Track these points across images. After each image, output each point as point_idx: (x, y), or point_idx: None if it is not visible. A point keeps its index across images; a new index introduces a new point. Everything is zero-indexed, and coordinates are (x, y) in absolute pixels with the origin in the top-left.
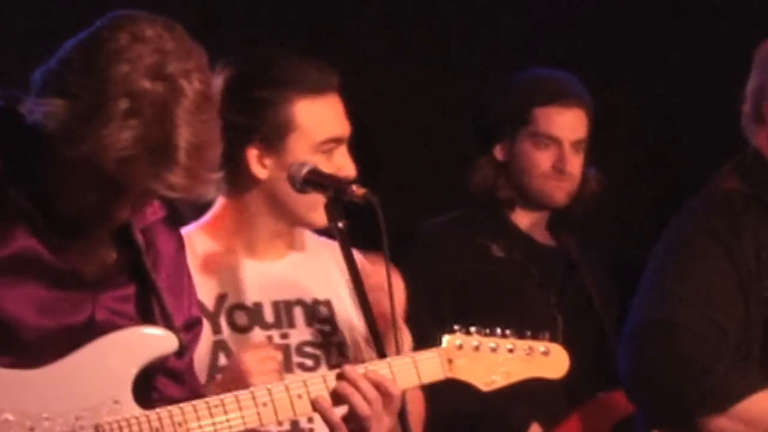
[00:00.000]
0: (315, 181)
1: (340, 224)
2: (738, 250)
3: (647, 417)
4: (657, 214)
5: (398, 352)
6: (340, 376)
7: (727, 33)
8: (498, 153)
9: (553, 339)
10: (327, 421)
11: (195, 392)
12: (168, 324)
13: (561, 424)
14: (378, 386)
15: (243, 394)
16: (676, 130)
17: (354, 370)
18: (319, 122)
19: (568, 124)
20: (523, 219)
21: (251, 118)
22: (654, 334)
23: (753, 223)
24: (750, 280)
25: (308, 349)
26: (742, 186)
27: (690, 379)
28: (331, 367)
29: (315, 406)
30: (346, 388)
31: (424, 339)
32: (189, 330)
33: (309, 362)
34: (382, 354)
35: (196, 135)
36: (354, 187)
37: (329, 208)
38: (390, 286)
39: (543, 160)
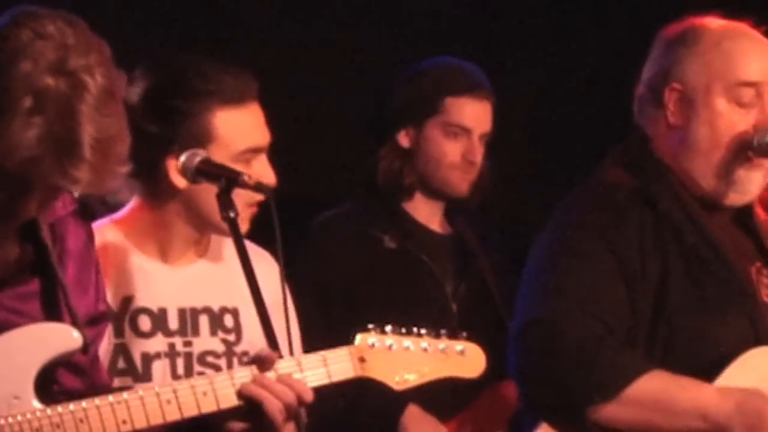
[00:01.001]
0: (207, 171)
1: (232, 214)
2: (622, 245)
3: (538, 412)
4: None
5: (291, 348)
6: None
7: (621, 25)
8: (402, 140)
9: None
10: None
11: (97, 387)
12: (73, 319)
13: (460, 414)
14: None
15: (147, 391)
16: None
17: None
18: (238, 132)
19: (479, 115)
20: (420, 208)
21: (170, 128)
22: (538, 333)
23: (637, 219)
24: (634, 276)
25: (211, 359)
26: (626, 179)
27: (577, 372)
28: None
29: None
30: (261, 393)
31: (314, 334)
32: (95, 324)
33: (210, 372)
34: (275, 350)
35: (99, 130)
36: (246, 177)
37: (220, 199)
38: (282, 278)
39: (452, 150)
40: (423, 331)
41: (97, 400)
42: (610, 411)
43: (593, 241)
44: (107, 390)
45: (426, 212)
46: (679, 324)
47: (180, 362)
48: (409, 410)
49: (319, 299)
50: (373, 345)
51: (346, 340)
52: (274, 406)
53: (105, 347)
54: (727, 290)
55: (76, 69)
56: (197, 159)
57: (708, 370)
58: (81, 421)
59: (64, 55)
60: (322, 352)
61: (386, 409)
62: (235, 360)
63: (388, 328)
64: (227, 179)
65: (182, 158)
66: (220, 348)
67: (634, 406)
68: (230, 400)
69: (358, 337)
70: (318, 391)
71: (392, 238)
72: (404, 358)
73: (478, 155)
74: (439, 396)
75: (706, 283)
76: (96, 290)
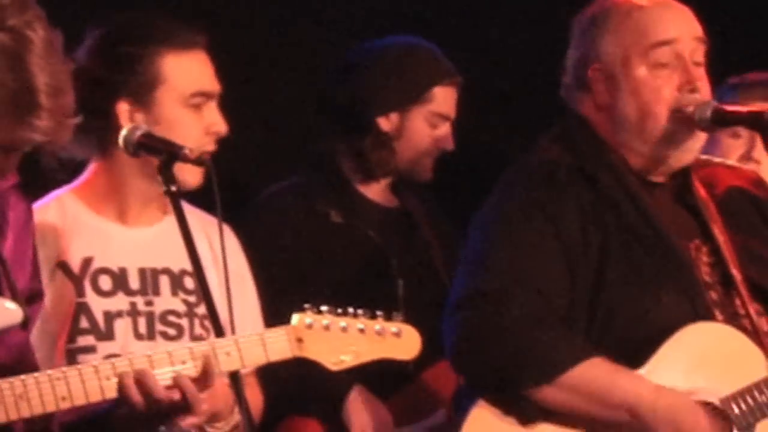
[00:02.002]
0: (148, 144)
1: (173, 188)
2: (562, 221)
3: (473, 388)
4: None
5: (232, 323)
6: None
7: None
8: (384, 124)
9: (394, 303)
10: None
11: (26, 363)
12: (13, 294)
13: (402, 390)
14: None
15: (86, 367)
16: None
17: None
18: (187, 75)
19: (455, 102)
20: (369, 183)
21: (120, 72)
22: (477, 305)
23: (577, 195)
24: (575, 252)
25: (172, 319)
26: (564, 155)
27: (515, 351)
28: (193, 337)
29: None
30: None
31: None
32: (32, 302)
33: (172, 331)
34: (218, 330)
35: (51, 77)
36: (187, 150)
37: (162, 171)
38: (224, 251)
39: (431, 138)
40: (359, 311)
41: (36, 375)
42: (547, 394)
43: (534, 217)
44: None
45: (373, 186)
46: (617, 300)
47: (142, 321)
48: (355, 391)
49: (267, 274)
50: (310, 325)
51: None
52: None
53: (65, 308)
54: (665, 267)
55: (16, 25)
56: (138, 132)
57: (646, 346)
58: (20, 397)
59: (2, 15)
60: (260, 332)
61: (332, 388)
62: (196, 321)
63: (325, 308)
64: (168, 153)
65: (123, 132)
66: (181, 308)
67: (571, 392)
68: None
69: (295, 317)
70: (268, 369)
71: (338, 212)
72: (340, 338)
73: (452, 143)
74: (382, 373)
75: (644, 259)
76: (33, 267)
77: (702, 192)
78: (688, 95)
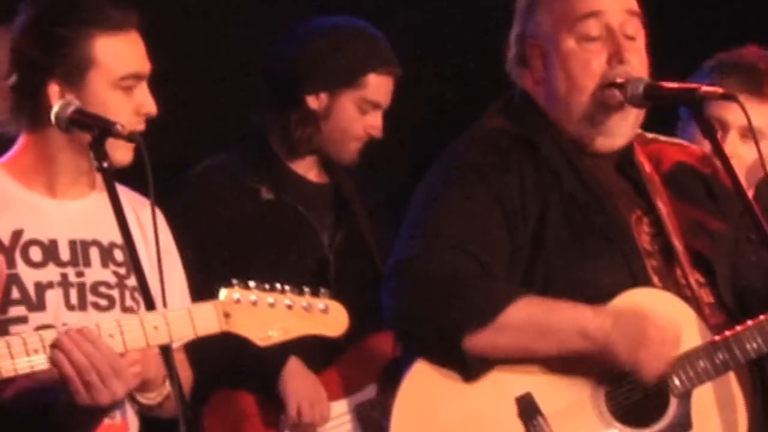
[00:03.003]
0: (80, 120)
1: (105, 164)
2: (503, 187)
3: (414, 351)
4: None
5: (164, 298)
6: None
7: None
8: (312, 102)
9: (325, 279)
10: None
11: None
12: None
13: (332, 365)
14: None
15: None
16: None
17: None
18: (118, 58)
19: (390, 92)
20: (298, 159)
21: (52, 54)
22: (409, 269)
23: (519, 162)
24: (515, 218)
25: (103, 290)
26: (508, 125)
27: (450, 301)
28: (124, 309)
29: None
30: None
31: (193, 286)
32: None
33: (103, 302)
34: (150, 304)
35: None
36: (119, 126)
37: (94, 148)
38: (155, 229)
39: (360, 123)
40: (287, 287)
41: None
42: (486, 338)
43: (474, 182)
44: None
45: (303, 163)
46: (556, 267)
47: (73, 292)
48: (290, 364)
49: (198, 251)
50: (238, 300)
51: None
52: (68, 370)
53: None
54: (605, 235)
55: None
56: (70, 108)
57: None
58: None
59: None
60: (188, 307)
61: (269, 362)
62: (126, 293)
63: (252, 283)
64: (100, 129)
65: (55, 108)
66: (112, 279)
67: (511, 331)
68: None
69: (223, 292)
70: (204, 342)
71: (269, 189)
72: (268, 314)
73: (381, 131)
74: (316, 347)
75: (584, 227)
76: None
77: (647, 166)
78: (617, 67)
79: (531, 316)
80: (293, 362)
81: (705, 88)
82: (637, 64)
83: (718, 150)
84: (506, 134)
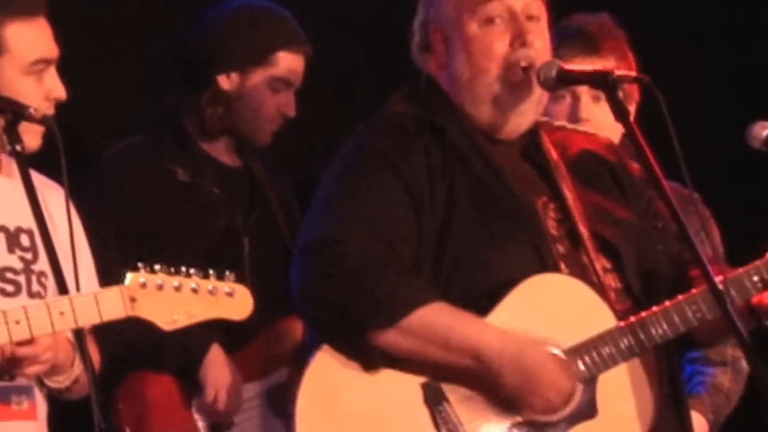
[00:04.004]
0: None
1: (18, 147)
2: (410, 171)
3: (318, 335)
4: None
5: (77, 283)
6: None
7: None
8: (224, 83)
9: (240, 261)
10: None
11: None
12: None
13: (244, 348)
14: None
15: None
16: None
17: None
18: (28, 44)
19: (301, 70)
20: (211, 141)
21: None
22: (320, 251)
23: (426, 146)
24: (422, 202)
25: (10, 275)
26: (414, 110)
27: (358, 294)
28: (31, 294)
29: None
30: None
31: (111, 269)
32: None
33: (9, 288)
34: (63, 289)
35: None
36: (32, 110)
37: (7, 131)
38: (69, 213)
39: (272, 102)
40: (192, 271)
41: None
42: (390, 338)
43: (382, 166)
44: None
45: (217, 145)
46: (463, 252)
47: None
48: (213, 351)
49: (114, 233)
50: (143, 284)
51: None
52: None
53: None
54: (511, 219)
55: None
56: None
57: (490, 297)
58: None
59: None
60: (94, 291)
61: (191, 347)
62: (33, 278)
63: (158, 267)
64: (13, 113)
65: None
66: (18, 265)
67: (413, 336)
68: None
69: (129, 277)
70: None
71: (185, 170)
72: (174, 298)
73: (294, 110)
74: (226, 331)
75: (491, 212)
76: None
77: (553, 153)
78: (519, 50)
79: (434, 325)
80: (215, 350)
81: (618, 72)
82: (540, 45)
83: (632, 133)
84: (412, 118)
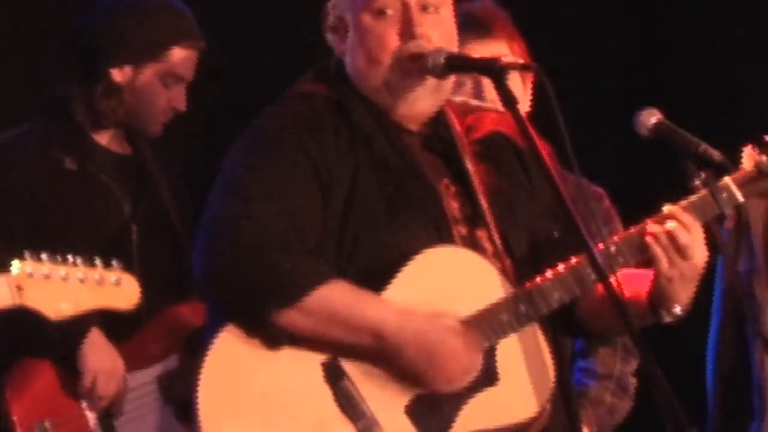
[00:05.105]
0: None
1: None
2: (315, 148)
3: (221, 315)
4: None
5: None
6: None
7: None
8: (116, 75)
9: (128, 249)
10: None
11: None
12: None
13: (134, 336)
14: None
15: None
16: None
17: None
18: None
19: (194, 65)
20: (101, 130)
21: None
22: (221, 229)
23: (332, 125)
24: (328, 181)
25: None
26: (323, 90)
27: (258, 273)
28: None
29: None
30: None
31: None
32: None
33: None
34: None
35: None
36: None
37: None
38: None
39: (164, 96)
40: (78, 260)
41: None
42: (290, 317)
43: (288, 144)
44: None
45: (107, 134)
46: (364, 232)
47: None
48: (91, 336)
49: (1, 222)
50: (30, 273)
51: None
52: None
53: None
54: (414, 200)
55: None
56: None
57: (388, 275)
58: None
59: None
60: None
61: (69, 332)
62: None
63: (45, 256)
64: None
65: None
66: None
67: (313, 316)
68: None
69: (15, 265)
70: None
71: (73, 159)
72: (60, 287)
73: (185, 104)
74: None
75: (393, 191)
76: None
77: (459, 136)
78: (409, 43)
79: (334, 304)
80: (94, 334)
81: (506, 59)
82: (437, 36)
83: (520, 122)
84: (319, 97)
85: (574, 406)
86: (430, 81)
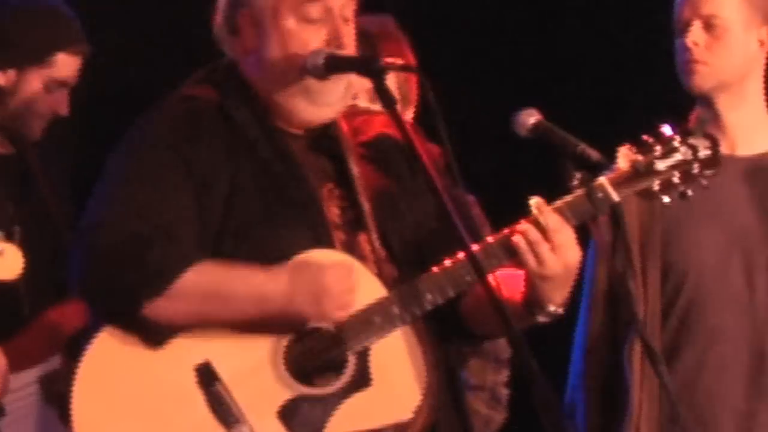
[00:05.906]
0: None
1: None
2: (192, 155)
3: (100, 320)
4: None
5: None
6: None
7: None
8: (0, 78)
9: None
10: None
11: None
12: None
13: (16, 336)
14: None
15: None
16: None
17: None
18: None
19: (77, 70)
20: None
21: None
22: (86, 236)
23: (212, 129)
24: (204, 185)
25: None
26: (206, 93)
27: (124, 270)
28: None
29: None
30: None
31: None
32: None
33: None
34: None
35: None
36: None
37: None
38: None
39: (45, 101)
40: None
41: None
42: (161, 306)
43: (162, 149)
44: None
45: None
46: (244, 235)
47: None
48: None
49: None
50: None
51: None
52: None
53: None
54: (294, 204)
55: None
56: None
57: None
58: None
59: None
60: None
61: None
62: None
63: None
64: None
65: None
66: None
67: (185, 299)
68: None
69: None
70: None
71: None
72: None
73: (67, 109)
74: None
75: (274, 196)
76: None
77: (345, 138)
78: (336, 51)
79: (205, 284)
80: None
81: (386, 59)
82: (351, 47)
83: (399, 123)
84: (201, 101)
85: (464, 407)
86: (331, 87)
